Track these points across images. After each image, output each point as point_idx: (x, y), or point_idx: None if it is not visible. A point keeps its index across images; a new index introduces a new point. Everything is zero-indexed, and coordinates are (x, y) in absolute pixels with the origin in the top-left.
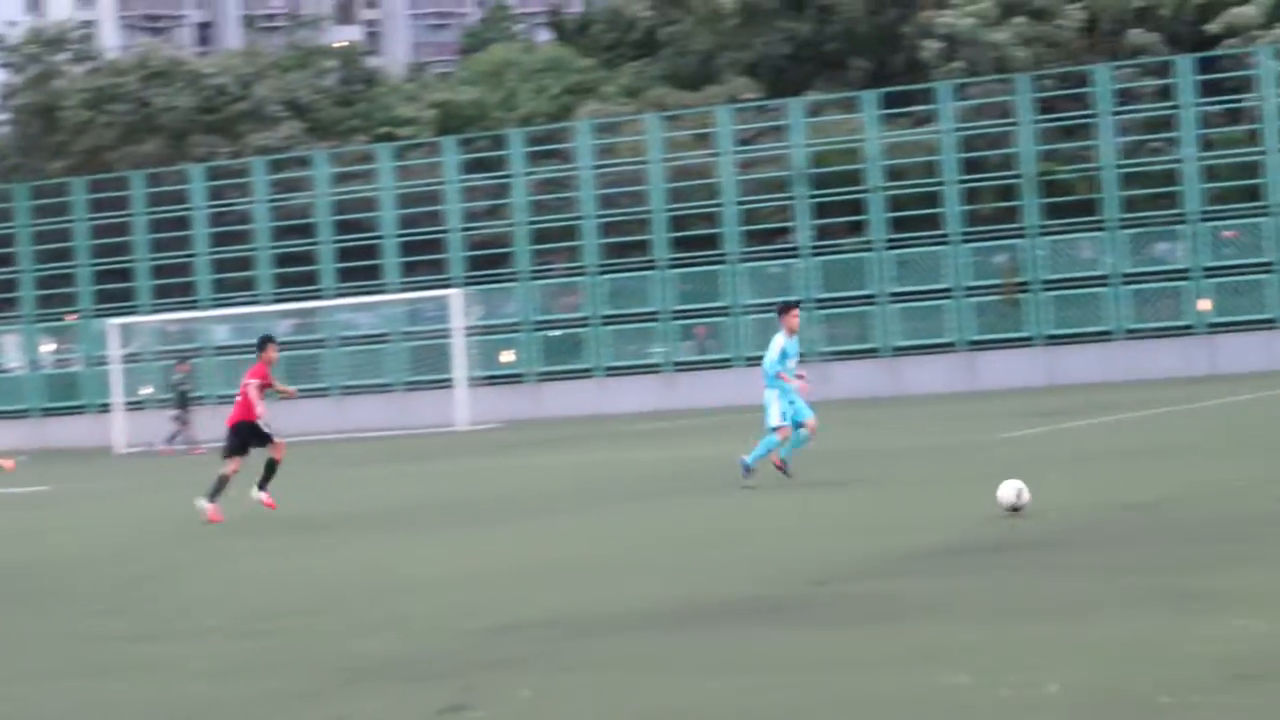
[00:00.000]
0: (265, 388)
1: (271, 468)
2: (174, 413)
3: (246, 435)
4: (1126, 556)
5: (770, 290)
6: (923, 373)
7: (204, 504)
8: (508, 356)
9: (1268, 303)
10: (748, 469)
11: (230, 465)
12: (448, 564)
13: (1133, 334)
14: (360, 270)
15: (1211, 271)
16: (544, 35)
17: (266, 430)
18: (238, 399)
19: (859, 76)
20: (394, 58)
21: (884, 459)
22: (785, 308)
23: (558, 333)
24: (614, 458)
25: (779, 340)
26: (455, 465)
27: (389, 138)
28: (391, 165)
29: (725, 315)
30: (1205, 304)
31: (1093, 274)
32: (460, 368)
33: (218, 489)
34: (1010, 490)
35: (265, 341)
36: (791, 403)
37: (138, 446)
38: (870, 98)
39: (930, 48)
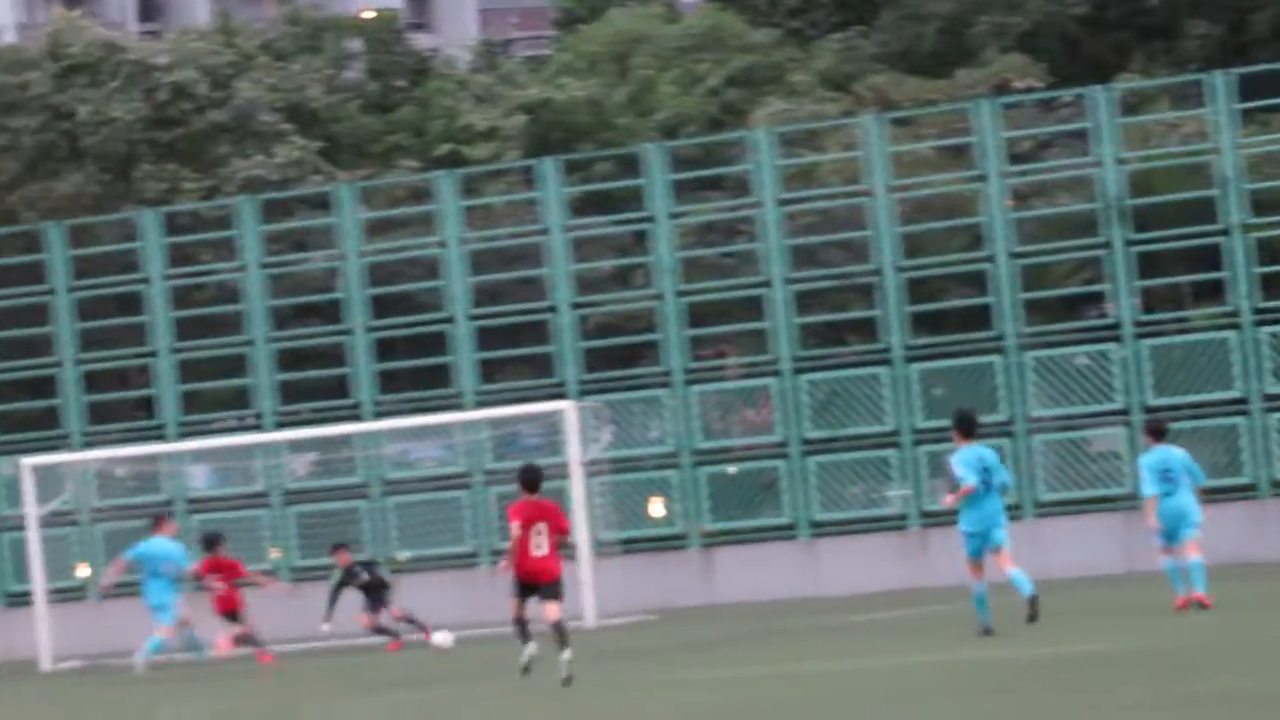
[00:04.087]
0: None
1: None
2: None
3: None
4: None
5: (1072, 393)
6: None
7: None
8: (657, 508)
9: None
10: None
11: None
12: None
13: None
14: (411, 374)
15: None
16: None
17: None
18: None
19: (1199, 50)
20: (455, 34)
21: None
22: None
23: (735, 468)
24: (834, 667)
25: None
26: (592, 683)
27: (454, 162)
28: (458, 206)
29: (1008, 432)
30: None
31: None
32: (582, 525)
33: None
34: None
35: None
36: None
37: (76, 660)
38: (1221, 83)
39: None
